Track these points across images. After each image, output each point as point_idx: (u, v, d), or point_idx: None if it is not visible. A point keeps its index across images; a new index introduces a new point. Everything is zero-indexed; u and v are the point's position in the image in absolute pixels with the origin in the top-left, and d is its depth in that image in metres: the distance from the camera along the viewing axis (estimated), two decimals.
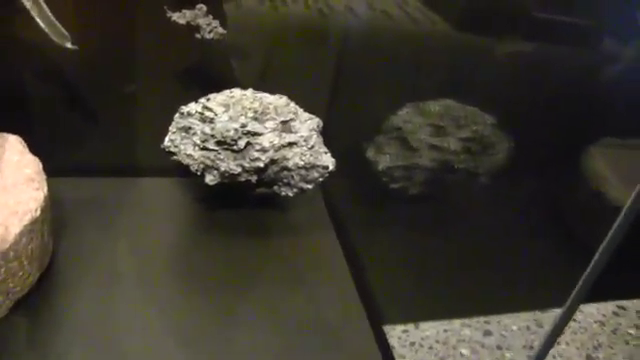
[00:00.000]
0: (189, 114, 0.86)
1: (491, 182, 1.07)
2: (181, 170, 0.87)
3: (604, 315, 1.13)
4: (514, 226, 1.15)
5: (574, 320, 1.10)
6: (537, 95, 1.15)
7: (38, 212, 0.76)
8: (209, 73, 0.96)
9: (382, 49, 1.14)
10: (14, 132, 0.85)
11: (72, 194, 0.94)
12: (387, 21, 1.11)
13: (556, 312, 0.83)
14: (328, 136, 0.96)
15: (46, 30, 0.78)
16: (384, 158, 1.00)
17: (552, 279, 1.09)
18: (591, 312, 1.13)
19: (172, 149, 0.86)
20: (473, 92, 1.14)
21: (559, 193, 1.22)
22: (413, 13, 1.13)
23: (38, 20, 0.77)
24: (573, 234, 1.18)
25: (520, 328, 1.05)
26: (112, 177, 0.99)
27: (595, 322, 1.11)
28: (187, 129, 0.85)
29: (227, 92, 0.89)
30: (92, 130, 0.98)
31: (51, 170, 0.83)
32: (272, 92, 0.93)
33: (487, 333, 1.03)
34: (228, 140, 0.82)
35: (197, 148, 0.84)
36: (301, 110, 0.90)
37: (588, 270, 0.76)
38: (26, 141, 0.85)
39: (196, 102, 0.87)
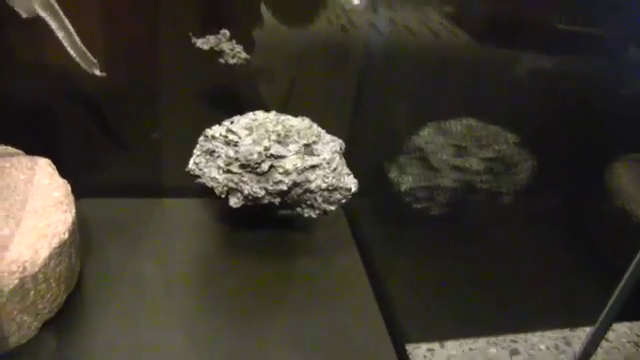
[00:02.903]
0: (213, 137, 0.87)
1: (514, 201, 1.06)
2: (206, 192, 0.88)
3: (638, 335, 1.10)
4: (539, 244, 1.13)
5: (606, 340, 1.08)
6: (559, 111, 1.14)
7: (66, 235, 0.77)
8: (233, 96, 0.98)
9: (404, 66, 1.14)
10: (44, 153, 0.88)
11: (99, 214, 0.96)
12: (409, 37, 1.11)
13: (586, 331, 0.82)
14: (351, 155, 0.96)
15: (76, 58, 0.80)
16: (407, 179, 1.00)
17: (580, 297, 1.08)
18: (624, 332, 1.11)
19: (197, 172, 0.88)
20: (495, 109, 1.13)
21: (584, 210, 1.21)
22: (436, 28, 1.13)
23: (68, 48, 0.79)
24: (599, 251, 1.17)
25: (549, 347, 1.04)
26: (138, 198, 1.01)
27: (629, 342, 1.09)
28: (211, 152, 0.87)
29: (251, 115, 0.90)
30: (119, 152, 1.00)
31: (79, 191, 0.85)
32: (295, 112, 0.94)
33: (514, 352, 1.02)
34: (252, 163, 0.83)
35: (221, 171, 0.85)
36: (323, 132, 0.91)
37: (620, 288, 0.75)
38: (55, 162, 0.87)
39: (220, 125, 0.89)
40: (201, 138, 0.89)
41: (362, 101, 1.12)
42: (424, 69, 1.15)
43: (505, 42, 1.12)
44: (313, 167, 0.86)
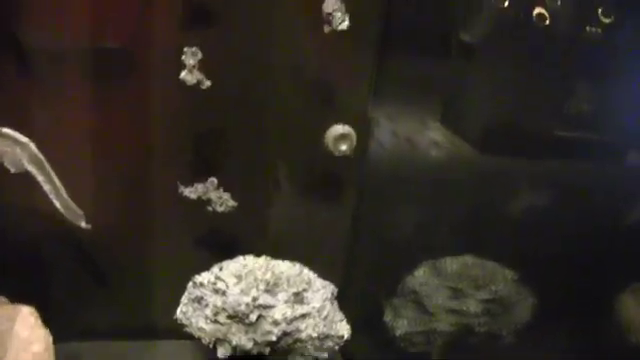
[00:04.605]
0: (201, 284, 0.86)
1: (515, 341, 1.02)
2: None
3: None
4: None
5: None
6: (560, 244, 1.12)
7: None
8: (223, 241, 0.96)
9: (402, 188, 1.12)
10: (28, 299, 0.85)
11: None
12: (410, 151, 1.09)
13: None
14: (345, 294, 0.94)
15: (61, 210, 0.80)
16: (402, 322, 0.98)
17: None
18: None
19: (184, 321, 0.86)
20: (494, 239, 1.11)
21: (592, 347, 1.16)
22: (437, 139, 1.11)
23: (54, 201, 0.79)
24: None
25: None
26: (124, 341, 0.98)
27: None
28: (199, 300, 0.85)
29: (241, 259, 0.89)
30: (107, 296, 0.98)
31: (64, 335, 0.82)
32: (289, 251, 0.92)
33: None
34: (239, 314, 0.81)
35: (209, 321, 0.83)
36: (314, 277, 0.89)
37: None
38: (40, 307, 0.85)
39: (209, 271, 0.87)
40: (190, 284, 0.88)
41: (358, 234, 1.10)
42: (421, 192, 1.13)
43: (506, 153, 1.10)
44: (303, 316, 0.84)
